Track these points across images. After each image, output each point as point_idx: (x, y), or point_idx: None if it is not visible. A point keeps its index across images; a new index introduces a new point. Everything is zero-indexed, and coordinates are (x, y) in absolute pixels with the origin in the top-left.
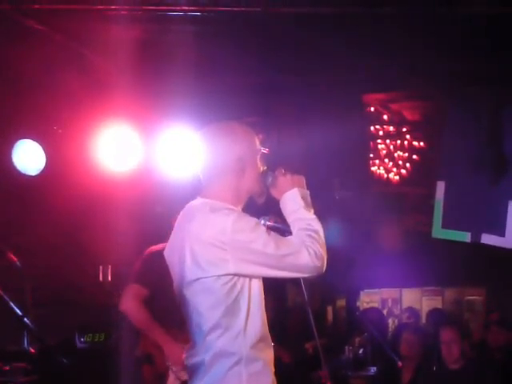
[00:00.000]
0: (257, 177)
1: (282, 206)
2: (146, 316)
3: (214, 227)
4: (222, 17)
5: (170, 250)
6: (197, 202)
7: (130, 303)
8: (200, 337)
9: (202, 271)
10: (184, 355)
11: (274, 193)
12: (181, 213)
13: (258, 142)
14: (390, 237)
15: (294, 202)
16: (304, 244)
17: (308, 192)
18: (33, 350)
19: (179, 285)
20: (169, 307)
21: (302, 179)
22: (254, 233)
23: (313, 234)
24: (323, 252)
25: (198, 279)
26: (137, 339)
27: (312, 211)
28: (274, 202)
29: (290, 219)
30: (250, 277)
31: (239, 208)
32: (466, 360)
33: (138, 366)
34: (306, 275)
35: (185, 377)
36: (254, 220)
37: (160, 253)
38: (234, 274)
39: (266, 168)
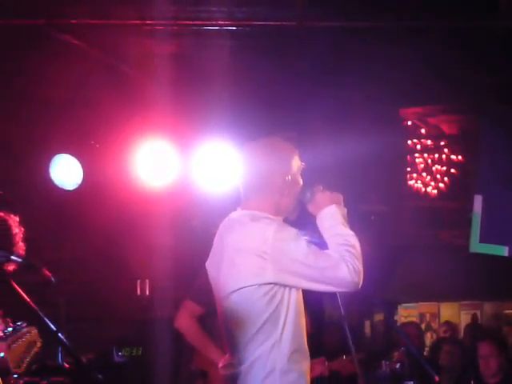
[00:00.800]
0: (295, 193)
1: (318, 221)
2: (200, 334)
3: (255, 236)
4: (258, 31)
5: (211, 263)
6: (236, 213)
7: (185, 321)
8: (239, 348)
9: (243, 281)
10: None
11: (312, 209)
12: (221, 225)
13: (295, 158)
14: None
15: (332, 219)
16: (343, 258)
17: (345, 209)
18: (67, 365)
19: (219, 297)
20: None
21: (340, 197)
22: (296, 243)
23: (351, 250)
24: (361, 267)
25: (238, 289)
26: (191, 354)
27: (348, 228)
28: (306, 217)
29: (326, 235)
30: (290, 287)
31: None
32: (504, 374)
33: (193, 381)
34: (343, 290)
35: None
36: (294, 230)
37: None
38: (274, 283)
39: (303, 184)
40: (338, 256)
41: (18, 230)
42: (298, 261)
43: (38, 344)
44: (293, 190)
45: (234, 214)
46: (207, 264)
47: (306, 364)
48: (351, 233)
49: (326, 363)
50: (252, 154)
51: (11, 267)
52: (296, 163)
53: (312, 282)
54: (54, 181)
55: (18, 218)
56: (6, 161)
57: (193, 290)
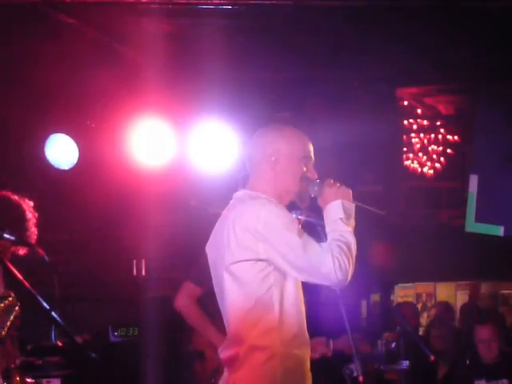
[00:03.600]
0: (295, 177)
1: (324, 215)
2: (198, 314)
3: (250, 214)
4: (254, 10)
5: (211, 245)
6: (239, 193)
7: (184, 301)
8: (232, 327)
9: (238, 255)
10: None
11: (320, 202)
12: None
13: (307, 148)
14: (423, 231)
15: (335, 213)
16: (331, 253)
17: (353, 205)
18: (60, 344)
19: (217, 274)
20: None
21: (348, 191)
22: (286, 227)
23: (343, 246)
24: (349, 266)
25: (234, 263)
26: (189, 335)
27: (352, 224)
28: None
29: (327, 229)
30: (285, 273)
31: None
32: (501, 354)
33: (190, 362)
34: (326, 283)
35: None
36: (289, 216)
37: None
38: (266, 261)
39: (316, 177)
40: (327, 249)
41: (31, 216)
42: (287, 245)
43: (17, 308)
44: (287, 172)
45: (237, 194)
46: (207, 247)
47: (306, 350)
48: (348, 229)
49: (331, 343)
50: (258, 138)
51: (22, 251)
52: (294, 146)
53: (297, 270)
54: (50, 160)
55: (32, 203)
56: (2, 141)
57: (192, 271)
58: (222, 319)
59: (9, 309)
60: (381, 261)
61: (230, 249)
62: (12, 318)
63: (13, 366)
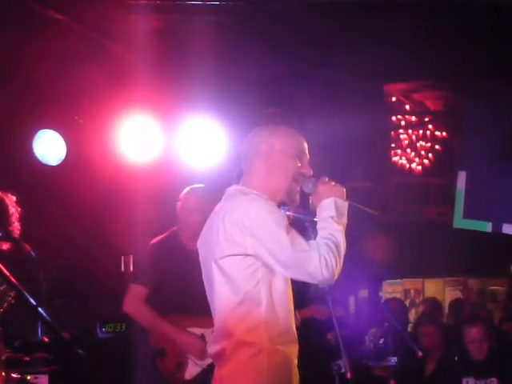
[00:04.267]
0: (288, 174)
1: (317, 212)
2: (150, 315)
3: (239, 209)
4: (242, 6)
5: (202, 241)
6: (232, 188)
7: (133, 305)
8: (220, 322)
9: (228, 249)
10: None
11: (314, 199)
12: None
13: (302, 145)
14: (411, 227)
15: (327, 211)
16: (318, 251)
17: (346, 203)
18: (47, 340)
19: (207, 269)
20: (172, 294)
21: (342, 190)
22: (274, 223)
23: (331, 245)
24: (335, 264)
25: (223, 257)
26: (146, 335)
27: (344, 222)
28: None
29: (318, 226)
30: (273, 270)
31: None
32: (490, 352)
33: (152, 361)
34: (312, 281)
35: (203, 362)
36: (278, 212)
37: (159, 245)
38: (254, 256)
39: (311, 175)
40: (314, 247)
41: (14, 210)
42: (274, 241)
43: (12, 294)
44: (281, 169)
45: (229, 189)
46: (198, 242)
47: (293, 346)
48: (338, 228)
49: (297, 313)
50: (253, 135)
51: (5, 246)
52: (288, 144)
53: (283, 267)
54: (38, 156)
55: (14, 198)
56: None
57: (137, 273)
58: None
59: (1, 295)
60: (369, 257)
61: (220, 243)
62: (5, 304)
63: None
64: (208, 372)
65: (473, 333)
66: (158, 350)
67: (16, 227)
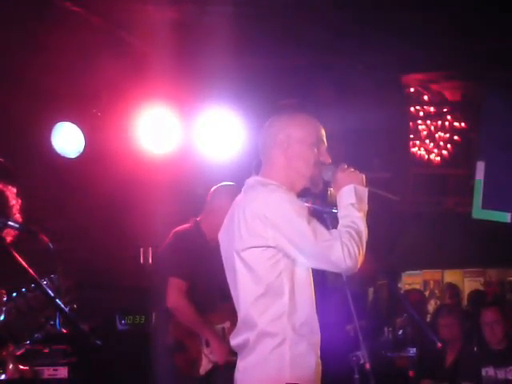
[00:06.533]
0: (308, 162)
1: (337, 200)
2: (193, 313)
3: (259, 200)
4: None
5: (225, 230)
6: (251, 179)
7: (178, 301)
8: (243, 313)
9: (249, 241)
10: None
11: (333, 186)
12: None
13: (319, 133)
14: (430, 218)
15: (347, 198)
16: (340, 239)
17: (366, 190)
18: (65, 331)
19: (229, 261)
20: (206, 291)
21: (361, 176)
22: (295, 213)
23: (352, 233)
24: (358, 252)
25: (245, 249)
26: (167, 327)
27: (365, 209)
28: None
29: (339, 214)
30: (294, 260)
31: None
32: (509, 341)
33: (171, 354)
34: (335, 270)
35: (217, 360)
36: (299, 202)
37: (186, 234)
38: (275, 248)
39: (329, 162)
40: (336, 236)
41: (14, 202)
42: (296, 231)
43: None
44: (300, 157)
45: (248, 180)
46: (220, 234)
47: (315, 337)
48: (359, 215)
49: None
50: (270, 125)
51: (9, 237)
52: (306, 131)
53: (306, 256)
54: (56, 149)
55: (15, 190)
56: (8, 129)
57: (177, 266)
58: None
59: None
60: (388, 248)
61: (241, 235)
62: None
63: (4, 353)
64: (218, 368)
65: (487, 316)
66: (176, 343)
67: (17, 219)
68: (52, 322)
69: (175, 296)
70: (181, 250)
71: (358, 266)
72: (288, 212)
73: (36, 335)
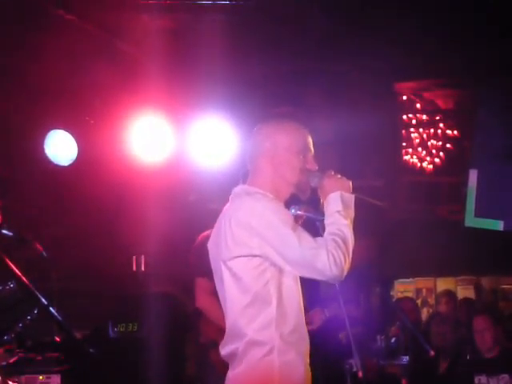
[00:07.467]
0: (294, 169)
1: (324, 207)
2: (221, 310)
3: (244, 209)
4: (252, 5)
5: (212, 241)
6: (238, 188)
7: (205, 300)
8: (232, 323)
9: (235, 250)
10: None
11: (320, 194)
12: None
13: (306, 140)
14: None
15: (333, 205)
16: (326, 247)
17: (352, 196)
18: (58, 339)
19: (217, 270)
20: None
21: (348, 183)
22: (279, 221)
23: (338, 241)
24: (344, 260)
25: (231, 258)
26: (197, 327)
27: (351, 215)
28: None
29: (326, 221)
30: (281, 269)
31: (279, 201)
32: (501, 348)
33: (205, 352)
34: (321, 278)
35: None
36: (284, 210)
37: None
38: (261, 257)
39: (316, 169)
40: (322, 244)
41: None
42: (281, 239)
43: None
44: (287, 164)
45: (235, 189)
46: (209, 243)
47: (304, 345)
48: (345, 223)
49: (326, 311)
50: (256, 133)
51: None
52: (292, 138)
53: (291, 265)
54: (49, 156)
55: None
56: (1, 136)
57: (203, 266)
58: None
59: None
60: (380, 256)
61: (227, 244)
62: None
63: None
64: None
65: (478, 323)
66: (210, 340)
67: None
68: (21, 324)
69: (202, 295)
70: (205, 251)
71: (345, 273)
72: (273, 220)
73: (6, 337)
